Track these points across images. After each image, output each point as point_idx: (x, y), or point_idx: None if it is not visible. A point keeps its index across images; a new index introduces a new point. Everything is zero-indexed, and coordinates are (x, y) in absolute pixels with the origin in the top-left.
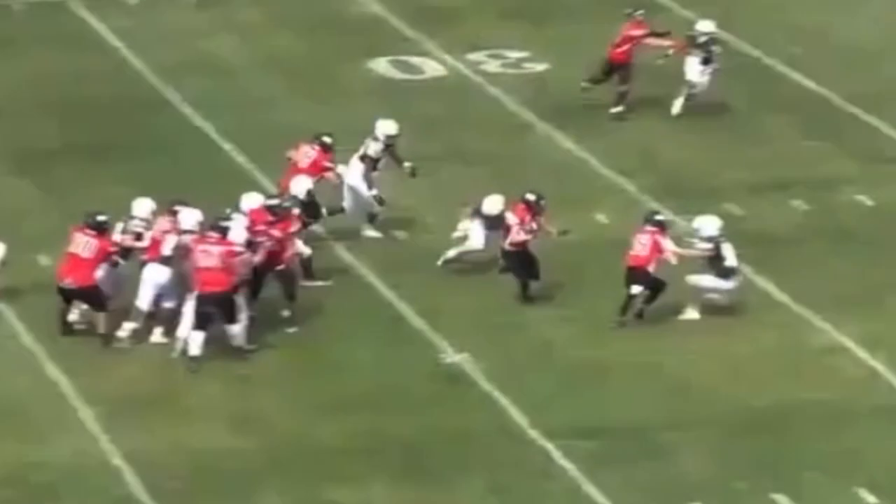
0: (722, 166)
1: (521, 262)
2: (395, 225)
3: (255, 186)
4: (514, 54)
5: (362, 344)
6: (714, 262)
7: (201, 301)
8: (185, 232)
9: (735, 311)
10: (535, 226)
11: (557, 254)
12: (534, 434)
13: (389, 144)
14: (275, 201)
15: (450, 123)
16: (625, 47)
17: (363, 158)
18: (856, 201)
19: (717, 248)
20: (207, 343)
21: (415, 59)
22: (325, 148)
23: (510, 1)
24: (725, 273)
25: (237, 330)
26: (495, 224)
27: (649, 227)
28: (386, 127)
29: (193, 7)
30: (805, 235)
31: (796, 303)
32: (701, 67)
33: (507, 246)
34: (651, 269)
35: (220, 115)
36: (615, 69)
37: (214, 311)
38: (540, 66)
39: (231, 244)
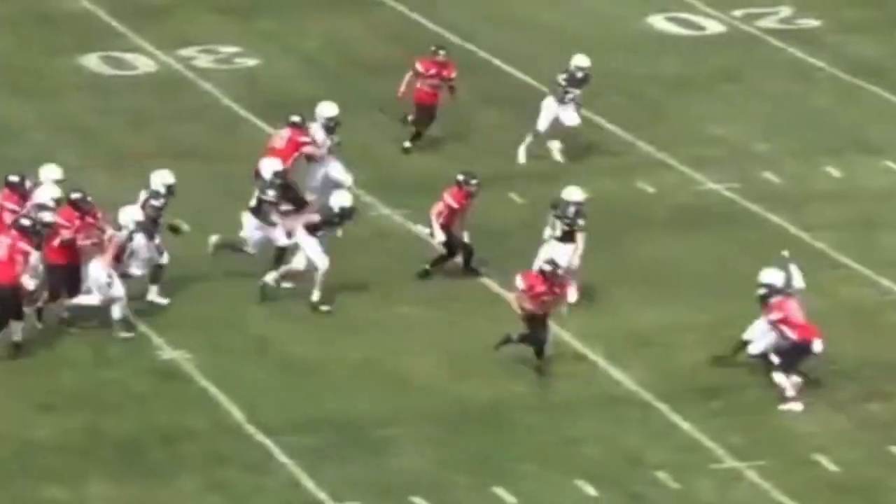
0: (440, 160)
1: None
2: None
3: None
4: (226, 49)
5: (78, 340)
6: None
7: None
8: (40, 207)
9: (454, 304)
10: (557, 291)
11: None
12: (251, 429)
13: (331, 127)
14: (79, 195)
15: (161, 119)
16: (432, 87)
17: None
18: None
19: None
20: None
21: (126, 55)
22: (297, 126)
23: None
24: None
25: (15, 326)
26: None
27: None
28: (325, 109)
29: None
30: (522, 228)
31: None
32: (567, 106)
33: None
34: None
35: None
36: (425, 109)
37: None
38: (251, 62)
39: (20, 241)
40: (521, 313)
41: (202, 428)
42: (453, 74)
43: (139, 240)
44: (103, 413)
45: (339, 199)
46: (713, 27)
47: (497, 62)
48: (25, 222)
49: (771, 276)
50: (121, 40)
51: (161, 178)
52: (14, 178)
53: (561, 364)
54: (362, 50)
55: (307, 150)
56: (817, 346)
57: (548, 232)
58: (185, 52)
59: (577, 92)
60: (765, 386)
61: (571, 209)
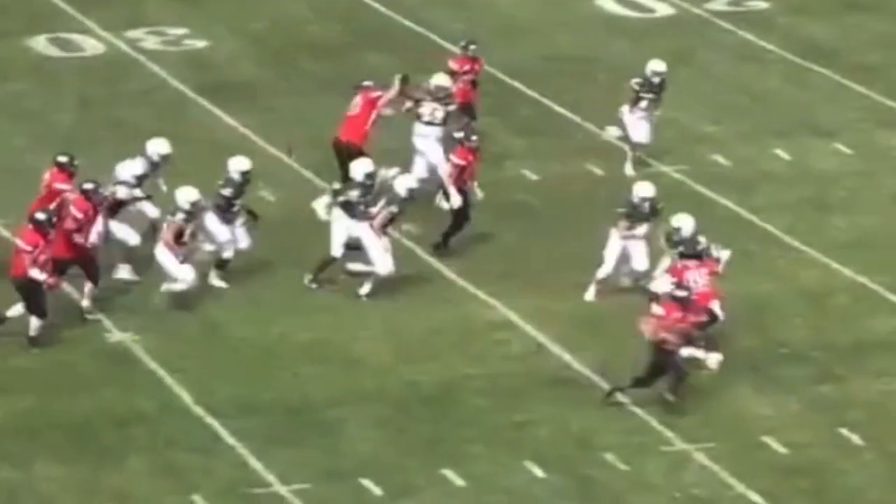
0: (395, 143)
1: (667, 364)
2: None
3: None
4: (174, 31)
5: (25, 322)
6: None
7: (11, 282)
8: (121, 183)
9: (404, 287)
10: (691, 318)
11: None
12: (200, 412)
13: (441, 98)
14: (90, 185)
15: (109, 101)
16: (466, 83)
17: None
18: (521, 176)
19: None
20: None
21: (73, 37)
22: (369, 88)
23: None
24: None
25: (32, 321)
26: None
27: None
28: (440, 79)
29: None
30: (471, 210)
31: (463, 278)
32: (643, 114)
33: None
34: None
35: None
36: (466, 107)
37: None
38: (199, 43)
39: (28, 236)
40: (655, 340)
41: (150, 410)
42: (477, 68)
43: (211, 222)
44: (52, 395)
45: (406, 183)
46: (662, 10)
47: (445, 44)
48: (41, 216)
49: (684, 223)
50: (68, 22)
51: (236, 165)
52: (62, 159)
53: (509, 345)
54: (310, 31)
55: (382, 102)
56: (717, 310)
57: (621, 229)
58: (133, 33)
59: (652, 97)
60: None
61: (646, 205)
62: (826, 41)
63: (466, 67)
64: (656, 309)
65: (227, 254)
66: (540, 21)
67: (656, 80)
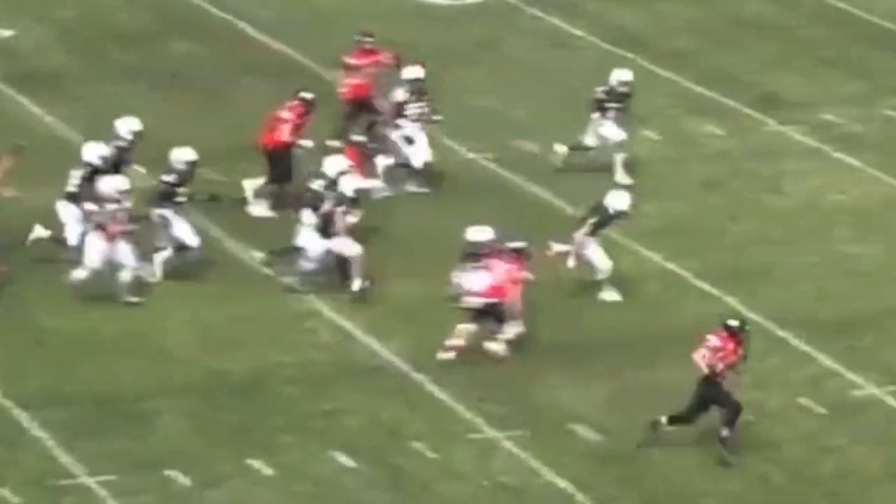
0: (203, 131)
1: (714, 396)
2: None
3: None
4: None
5: None
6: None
7: None
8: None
9: (213, 278)
10: (737, 357)
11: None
12: (7, 403)
13: (414, 91)
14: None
15: None
16: (360, 81)
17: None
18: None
19: None
20: None
21: None
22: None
23: None
24: None
25: None
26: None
27: None
28: (411, 72)
29: None
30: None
31: (269, 267)
32: (611, 122)
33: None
34: None
35: None
36: (361, 107)
37: None
38: (5, 32)
39: None
40: (706, 372)
41: None
42: (382, 60)
43: (160, 215)
44: None
45: (353, 183)
46: None
47: (252, 32)
48: None
49: (475, 234)
50: None
51: (181, 156)
52: None
53: (318, 335)
54: (119, 20)
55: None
56: (508, 303)
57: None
58: None
59: (619, 107)
60: (522, 356)
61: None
62: (635, 27)
63: (365, 61)
64: (713, 340)
65: (189, 241)
66: (348, 10)
67: (622, 89)
